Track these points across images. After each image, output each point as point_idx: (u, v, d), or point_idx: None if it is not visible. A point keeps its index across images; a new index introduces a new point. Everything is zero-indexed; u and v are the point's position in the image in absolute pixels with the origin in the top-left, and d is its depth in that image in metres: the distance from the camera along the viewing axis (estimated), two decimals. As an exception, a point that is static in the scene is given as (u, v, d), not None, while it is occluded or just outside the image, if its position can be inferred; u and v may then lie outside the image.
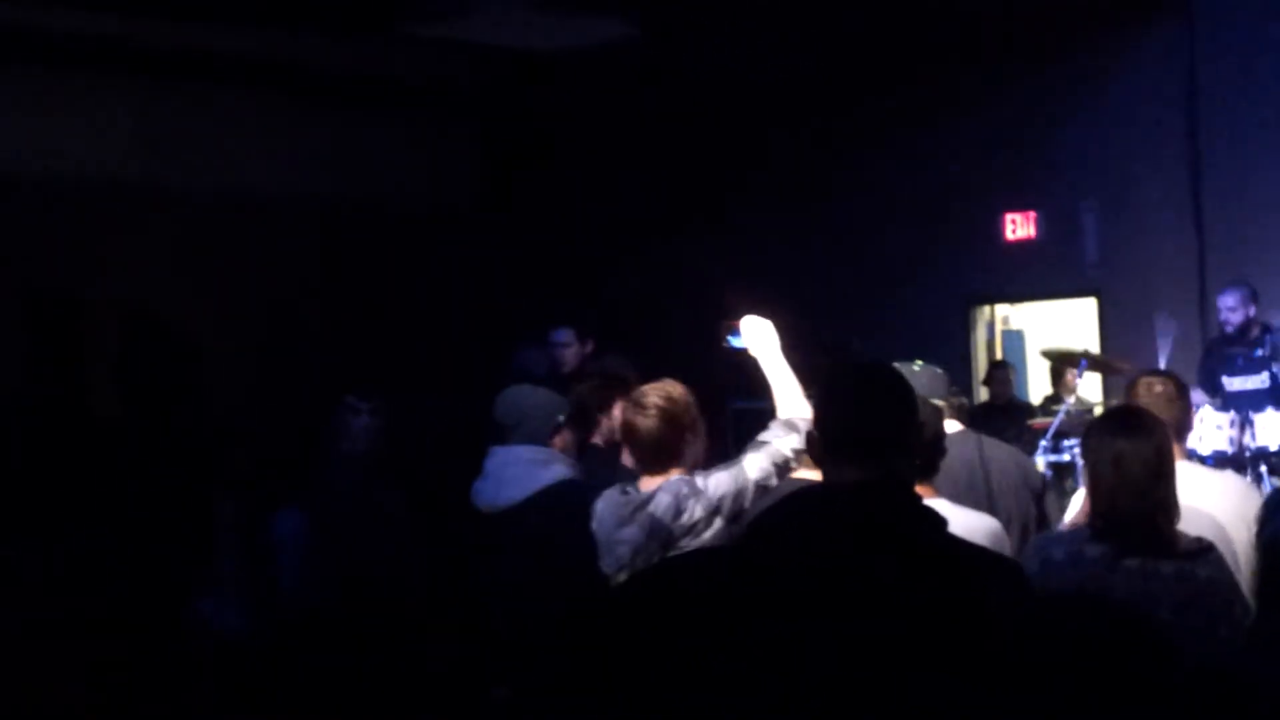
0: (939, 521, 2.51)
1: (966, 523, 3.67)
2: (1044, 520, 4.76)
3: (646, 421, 4.05)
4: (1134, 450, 3.39)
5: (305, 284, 10.24)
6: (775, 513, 2.51)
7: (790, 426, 4.04)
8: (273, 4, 8.97)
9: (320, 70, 10.54)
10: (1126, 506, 3.38)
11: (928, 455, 3.84)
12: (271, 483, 6.16)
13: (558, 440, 4.95)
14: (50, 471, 6.38)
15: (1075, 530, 3.59)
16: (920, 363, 5.10)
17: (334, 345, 9.76)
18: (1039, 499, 4.79)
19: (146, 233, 9.81)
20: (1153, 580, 3.31)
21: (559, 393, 5.30)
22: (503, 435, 5.02)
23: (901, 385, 2.63)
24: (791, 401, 4.12)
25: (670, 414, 4.06)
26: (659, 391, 4.10)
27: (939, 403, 4.50)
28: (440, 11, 9.00)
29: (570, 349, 8.04)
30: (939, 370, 5.08)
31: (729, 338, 4.25)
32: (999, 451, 4.85)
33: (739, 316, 4.26)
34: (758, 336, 4.23)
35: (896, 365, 4.25)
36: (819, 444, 2.59)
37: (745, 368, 4.41)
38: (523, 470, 4.83)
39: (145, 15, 9.07)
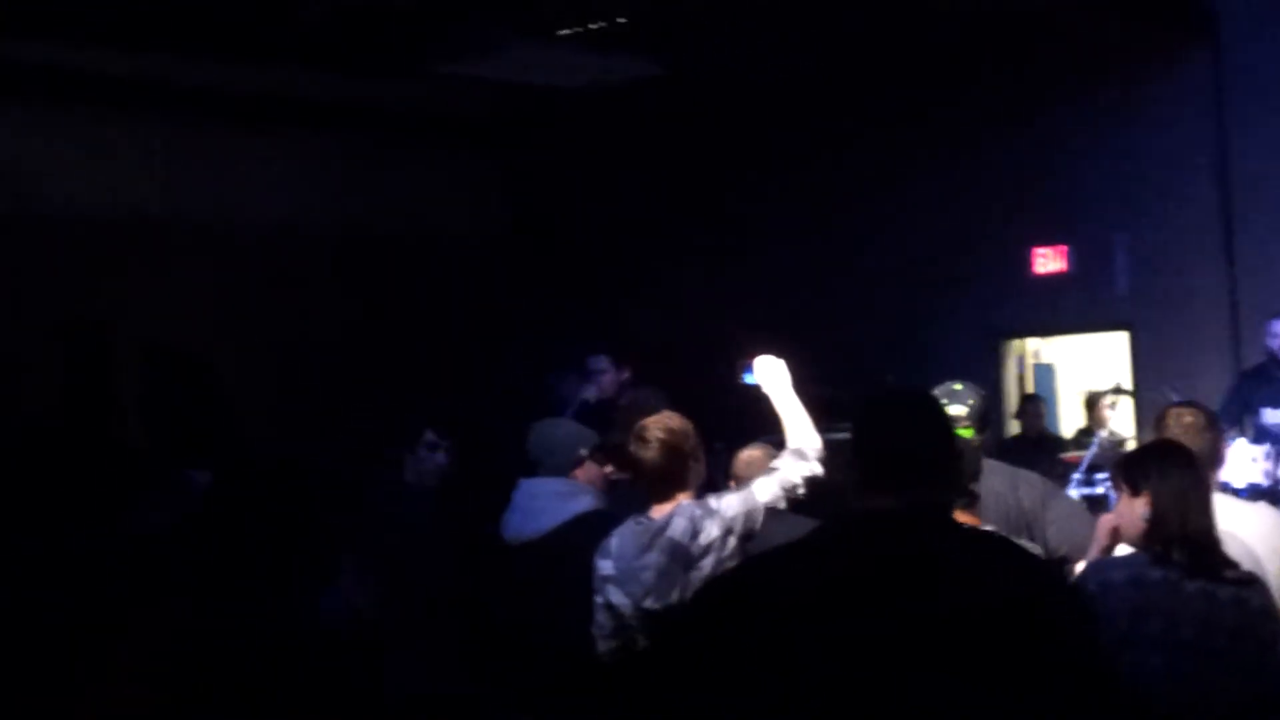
0: (995, 542, 2.53)
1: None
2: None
3: (650, 454, 4.23)
4: (1193, 479, 3.61)
5: (336, 315, 10.29)
6: (820, 536, 2.52)
7: (800, 455, 4.26)
8: (306, 44, 9.04)
9: (353, 107, 10.63)
10: (1190, 531, 3.54)
11: (972, 484, 3.88)
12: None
13: (579, 473, 5.02)
14: (75, 500, 6.40)
15: (1132, 555, 3.68)
16: (960, 384, 5.13)
17: (367, 375, 9.80)
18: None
19: (179, 268, 9.88)
20: (1213, 603, 3.46)
21: (597, 419, 5.39)
22: (533, 469, 5.08)
23: (938, 412, 2.66)
24: (802, 432, 4.34)
25: (671, 445, 4.24)
26: (659, 425, 4.29)
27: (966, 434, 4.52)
28: (470, 52, 9.06)
29: (607, 375, 8.07)
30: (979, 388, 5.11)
31: (744, 374, 4.47)
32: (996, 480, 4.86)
33: (753, 355, 4.46)
34: (769, 373, 4.49)
35: (939, 388, 4.33)
36: (857, 471, 2.60)
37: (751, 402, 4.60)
38: (550, 502, 4.87)
39: (177, 55, 9.16)
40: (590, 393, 7.52)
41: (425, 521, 5.69)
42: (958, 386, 4.98)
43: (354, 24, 8.96)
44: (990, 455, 4.95)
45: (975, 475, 3.99)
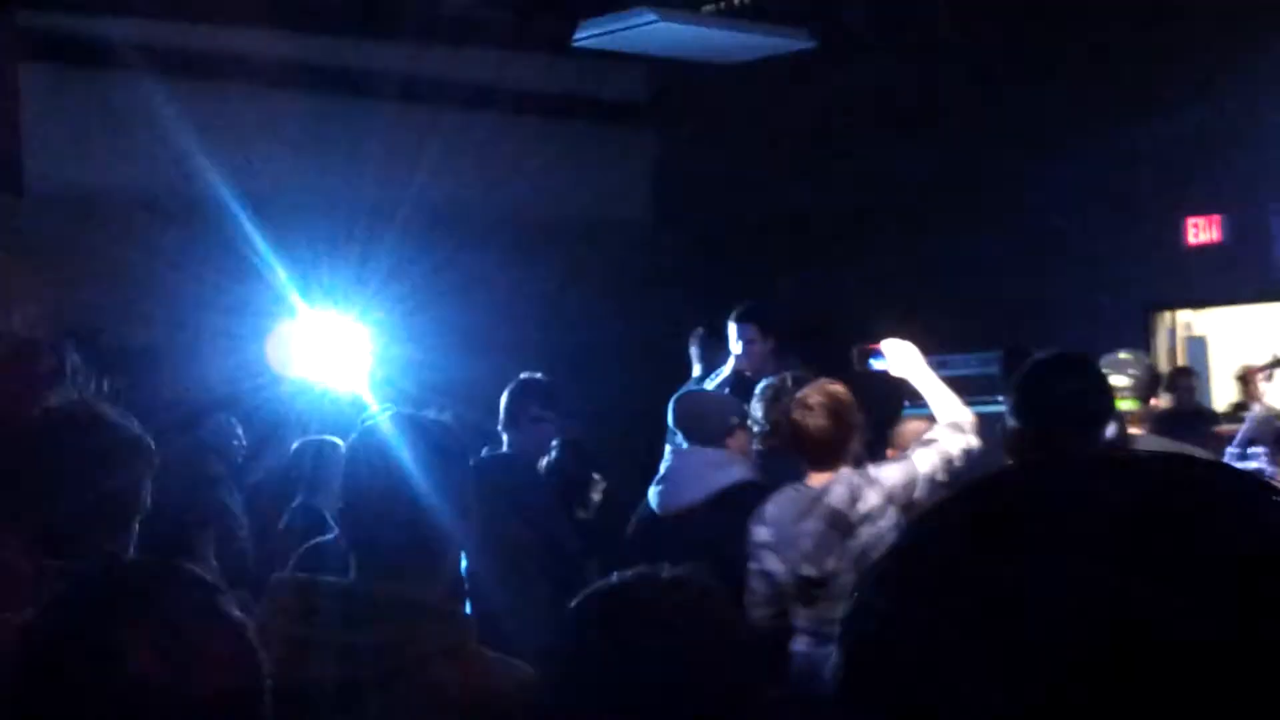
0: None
1: None
2: None
3: (815, 420, 4.21)
4: None
5: (492, 295, 10.44)
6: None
7: (957, 428, 4.21)
8: (460, 25, 9.18)
9: (507, 89, 10.76)
10: None
11: None
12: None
13: (732, 442, 5.00)
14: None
15: None
16: (1126, 353, 5.08)
17: (519, 354, 9.93)
18: None
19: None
20: None
21: (741, 390, 5.36)
22: (678, 439, 5.09)
23: (1093, 367, 2.72)
24: (951, 407, 4.31)
25: (836, 412, 4.23)
26: (822, 391, 4.28)
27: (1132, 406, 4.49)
28: (614, 28, 9.11)
29: (755, 345, 7.80)
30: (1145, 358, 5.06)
31: (869, 360, 4.41)
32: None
33: (877, 340, 4.42)
34: (901, 358, 4.44)
35: (1105, 357, 4.30)
36: (1027, 429, 2.65)
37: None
38: (699, 472, 4.89)
39: (320, 35, 9.38)
40: (741, 363, 7.36)
41: (531, 491, 5.69)
42: (1124, 356, 4.95)
43: (506, 4, 9.09)
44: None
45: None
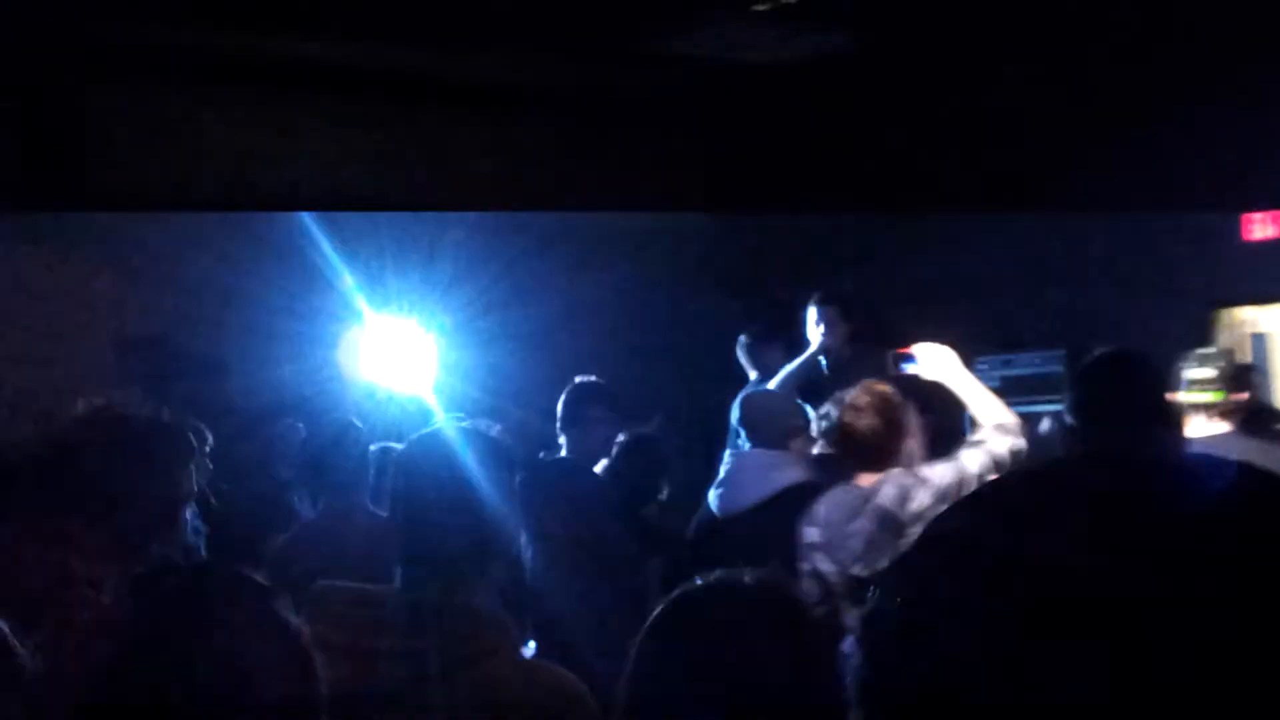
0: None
1: None
2: None
3: (865, 421, 4.22)
4: None
5: (546, 296, 10.55)
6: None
7: (1004, 429, 4.16)
8: (511, 28, 9.27)
9: (558, 90, 10.85)
10: None
11: None
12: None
13: (794, 444, 5.02)
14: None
15: None
16: (1212, 349, 5.09)
17: (572, 352, 10.03)
18: None
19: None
20: None
21: (812, 384, 5.33)
22: (740, 440, 5.14)
23: (1149, 365, 2.74)
24: (994, 409, 4.28)
25: (886, 413, 4.24)
26: (871, 392, 4.28)
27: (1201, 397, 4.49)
28: (666, 30, 9.18)
29: (837, 328, 7.45)
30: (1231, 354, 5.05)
31: (901, 364, 4.36)
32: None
33: (910, 344, 4.38)
34: (936, 361, 4.38)
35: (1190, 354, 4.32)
36: (1082, 427, 2.68)
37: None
38: (758, 474, 4.93)
39: (385, 43, 9.48)
40: (825, 345, 7.21)
41: (588, 494, 5.72)
42: (1210, 350, 5.00)
43: (562, 6, 9.16)
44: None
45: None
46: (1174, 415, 2.78)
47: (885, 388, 4.27)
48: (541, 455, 5.73)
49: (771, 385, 6.76)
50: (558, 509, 5.23)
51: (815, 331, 7.25)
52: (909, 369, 4.41)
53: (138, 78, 9.36)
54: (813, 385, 6.40)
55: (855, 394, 4.25)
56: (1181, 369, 4.85)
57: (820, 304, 7.28)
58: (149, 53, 9.27)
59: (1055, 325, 9.63)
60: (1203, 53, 10.00)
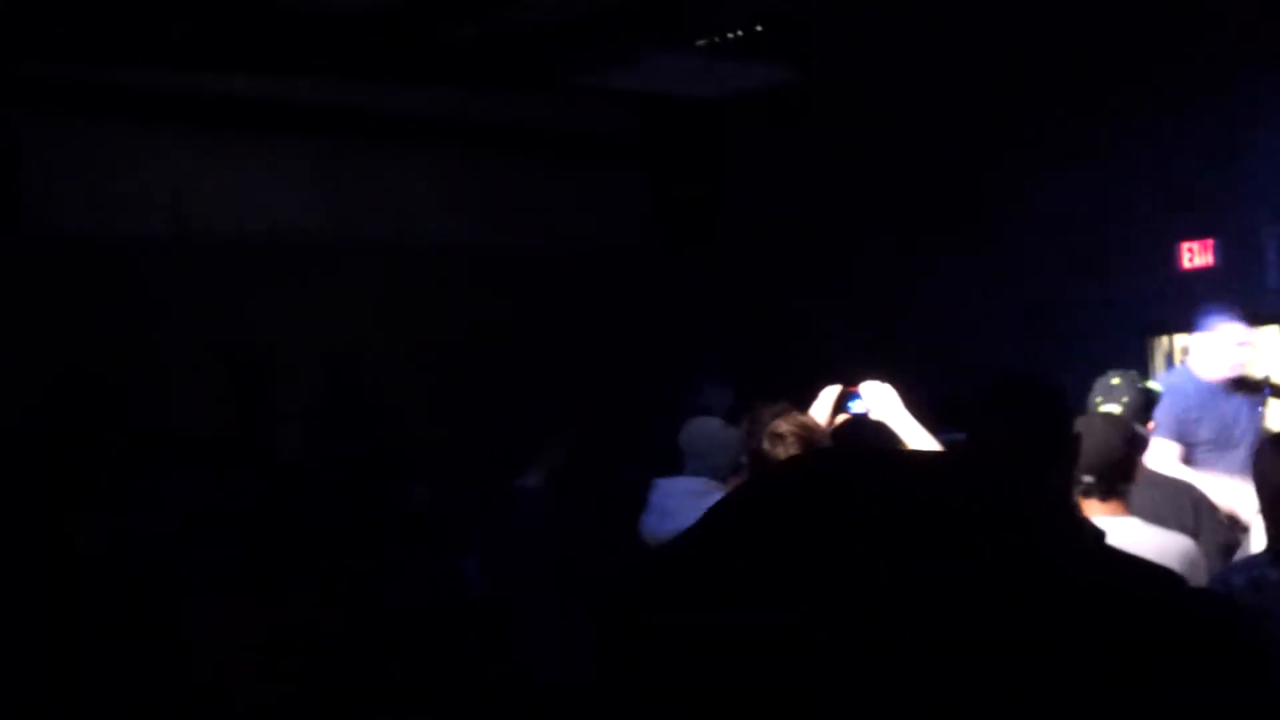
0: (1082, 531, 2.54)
1: (1159, 543, 3.67)
2: None
3: (782, 450, 4.20)
4: None
5: (480, 326, 10.56)
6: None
7: None
8: (458, 64, 9.32)
9: (490, 124, 10.90)
10: None
11: (1108, 473, 3.80)
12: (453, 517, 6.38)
13: (734, 480, 4.99)
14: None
15: (1257, 556, 3.56)
16: (1118, 378, 5.02)
17: (513, 382, 10.03)
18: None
19: (330, 283, 10.23)
20: None
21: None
22: (680, 464, 5.13)
23: (1040, 393, 2.68)
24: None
25: (808, 442, 4.19)
26: (792, 421, 4.26)
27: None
28: (604, 64, 9.25)
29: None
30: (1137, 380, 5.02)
31: (847, 403, 4.29)
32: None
33: (857, 382, 4.32)
34: (879, 400, 4.32)
35: (1098, 381, 4.28)
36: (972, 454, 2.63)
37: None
38: (685, 501, 4.93)
39: (335, 78, 9.53)
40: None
41: (537, 522, 5.73)
42: (1115, 381, 4.87)
43: (499, 43, 9.22)
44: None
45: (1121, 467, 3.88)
46: (1064, 444, 2.72)
47: (806, 419, 4.24)
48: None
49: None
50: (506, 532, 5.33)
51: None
52: (855, 407, 4.36)
53: (73, 114, 9.35)
54: None
55: (778, 423, 4.24)
56: (1092, 401, 4.83)
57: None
58: (85, 90, 9.26)
59: (990, 352, 9.72)
60: (1142, 90, 10.17)
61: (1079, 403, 4.83)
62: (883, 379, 4.35)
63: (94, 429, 6.34)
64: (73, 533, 3.52)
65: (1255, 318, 9.99)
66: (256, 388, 9.69)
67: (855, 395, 4.34)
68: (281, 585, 3.59)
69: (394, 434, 9.55)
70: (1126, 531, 3.65)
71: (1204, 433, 6.55)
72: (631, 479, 7.06)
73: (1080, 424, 4.00)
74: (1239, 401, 6.88)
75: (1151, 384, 5.66)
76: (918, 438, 4.21)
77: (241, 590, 3.46)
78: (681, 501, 4.91)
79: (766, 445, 4.23)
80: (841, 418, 4.33)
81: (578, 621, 5.30)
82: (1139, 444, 4.04)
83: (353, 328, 10.09)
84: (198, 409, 9.22)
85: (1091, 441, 3.63)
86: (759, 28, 9.17)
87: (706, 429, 5.12)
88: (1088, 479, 3.68)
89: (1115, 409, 4.77)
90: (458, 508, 6.09)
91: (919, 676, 0.78)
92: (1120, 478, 3.84)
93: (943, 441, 4.15)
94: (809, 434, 4.21)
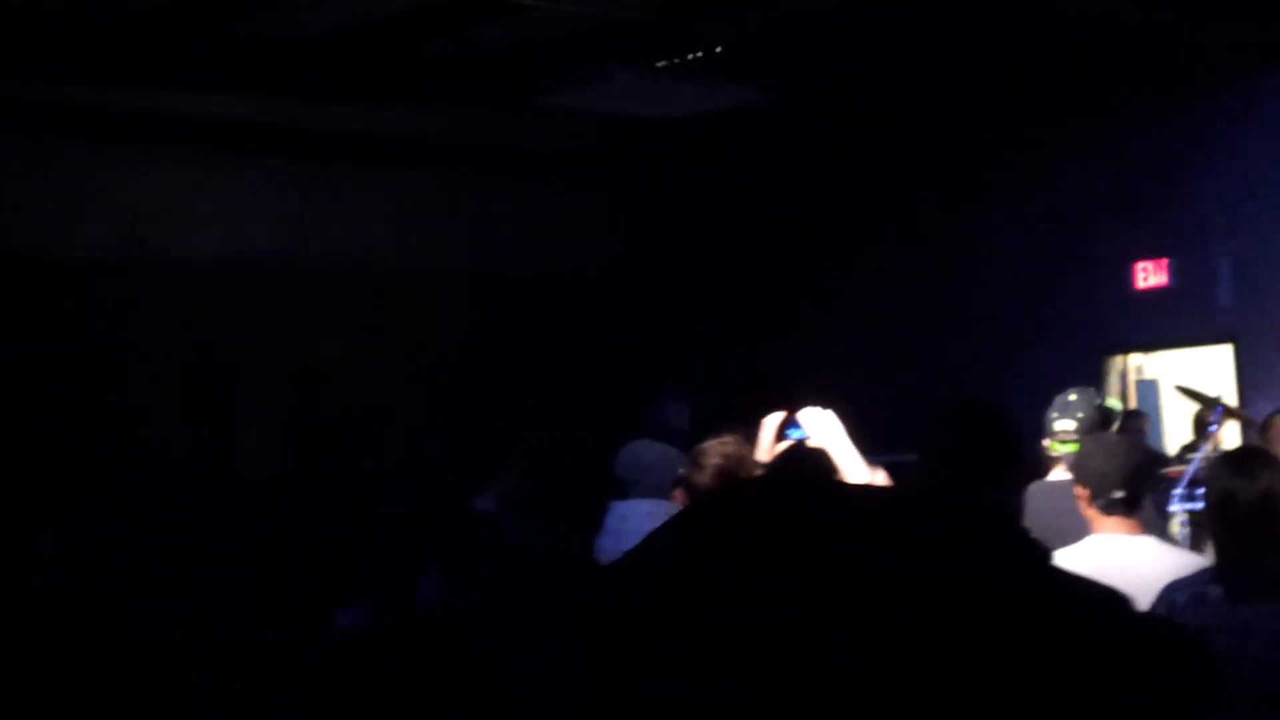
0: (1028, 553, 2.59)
1: (1177, 563, 3.70)
2: None
3: (704, 479, 4.21)
4: (1244, 489, 3.40)
5: (441, 345, 10.58)
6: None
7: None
8: (407, 84, 9.35)
9: (453, 144, 10.93)
10: (1236, 547, 3.38)
11: (1135, 487, 3.79)
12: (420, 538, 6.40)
13: (678, 494, 5.05)
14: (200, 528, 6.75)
15: (1200, 573, 3.59)
16: (1075, 394, 5.03)
17: (472, 401, 10.05)
18: None
19: (291, 303, 10.23)
20: (1274, 623, 3.29)
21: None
22: (625, 490, 5.17)
23: (995, 416, 2.71)
24: (859, 477, 4.12)
25: (727, 471, 4.18)
26: (717, 450, 4.25)
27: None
28: (567, 84, 9.30)
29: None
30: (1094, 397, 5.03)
31: (787, 430, 4.19)
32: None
33: (796, 409, 4.21)
34: (820, 427, 4.22)
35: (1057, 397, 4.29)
36: (927, 480, 2.67)
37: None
38: (643, 524, 4.98)
39: (302, 99, 9.54)
40: (685, 420, 7.42)
41: (494, 542, 5.76)
42: (1071, 397, 4.88)
43: (463, 64, 9.25)
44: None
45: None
46: (1014, 468, 2.75)
47: (730, 446, 4.20)
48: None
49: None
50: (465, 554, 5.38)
51: None
52: (794, 435, 4.19)
53: (33, 135, 9.34)
54: None
55: (702, 450, 4.22)
56: (1048, 417, 4.86)
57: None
58: (45, 111, 9.25)
59: (946, 374, 9.81)
60: (1096, 111, 10.29)
61: (1035, 421, 4.89)
62: (826, 402, 4.29)
63: (57, 448, 6.34)
64: (36, 555, 3.53)
65: (1206, 338, 10.16)
66: (218, 408, 9.69)
67: (794, 424, 4.19)
68: (252, 608, 3.61)
69: (354, 453, 9.57)
70: (1145, 550, 3.71)
71: None
72: (588, 496, 7.11)
73: (1096, 442, 4.05)
74: None
75: (1109, 402, 5.70)
76: (856, 466, 4.12)
77: (211, 615, 3.48)
78: (640, 524, 4.94)
79: (689, 472, 4.23)
80: (783, 445, 4.21)
81: (542, 638, 5.33)
82: (1157, 460, 4.04)
83: (315, 348, 10.10)
84: (159, 429, 9.21)
85: (1116, 458, 3.70)
86: (719, 49, 9.25)
87: (634, 453, 5.17)
88: (1118, 494, 3.69)
89: (1070, 425, 4.80)
90: (415, 528, 6.10)
91: (919, 677, 0.83)
92: (1143, 491, 3.87)
93: (885, 465, 4.08)
94: (734, 464, 4.19)
